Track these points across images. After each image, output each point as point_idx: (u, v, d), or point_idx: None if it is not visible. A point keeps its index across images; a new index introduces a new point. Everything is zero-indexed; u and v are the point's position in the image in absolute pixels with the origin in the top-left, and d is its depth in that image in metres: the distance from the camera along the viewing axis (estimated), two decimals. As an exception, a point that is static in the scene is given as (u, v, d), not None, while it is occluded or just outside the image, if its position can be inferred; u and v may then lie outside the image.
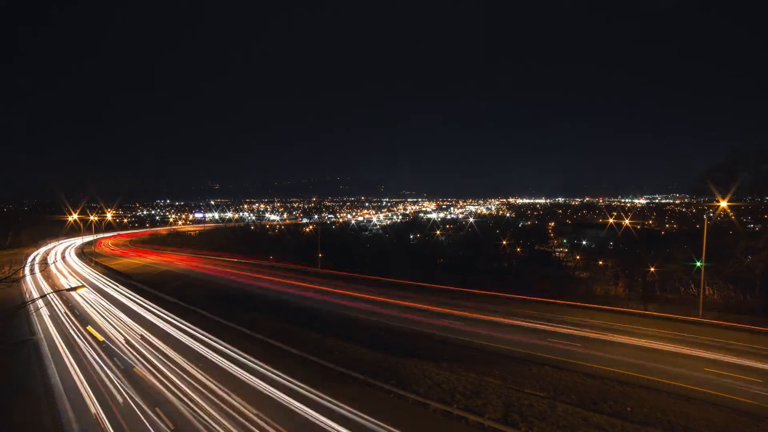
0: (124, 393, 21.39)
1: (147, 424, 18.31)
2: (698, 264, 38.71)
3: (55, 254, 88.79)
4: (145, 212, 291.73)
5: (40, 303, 40.59)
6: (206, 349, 27.62)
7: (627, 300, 41.93)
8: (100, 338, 30.49)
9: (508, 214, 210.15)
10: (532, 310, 36.28)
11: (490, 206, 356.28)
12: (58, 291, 46.27)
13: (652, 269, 44.24)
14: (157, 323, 34.49)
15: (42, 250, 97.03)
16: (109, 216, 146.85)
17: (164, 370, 24.25)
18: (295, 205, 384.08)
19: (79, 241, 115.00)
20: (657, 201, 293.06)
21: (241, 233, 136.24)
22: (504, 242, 76.23)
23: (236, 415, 18.70)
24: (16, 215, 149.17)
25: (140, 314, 37.54)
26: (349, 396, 20.24)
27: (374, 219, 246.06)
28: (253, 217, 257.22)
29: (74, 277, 59.05)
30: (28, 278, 57.03)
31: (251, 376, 23.01)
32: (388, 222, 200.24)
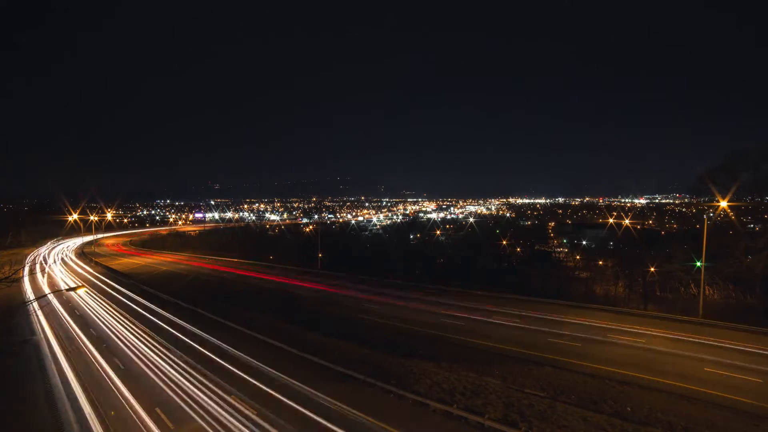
0: (124, 393, 21.40)
1: (147, 423, 18.32)
2: (698, 264, 38.69)
3: (55, 254, 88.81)
4: (145, 212, 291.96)
5: (40, 303, 40.60)
6: (206, 350, 27.63)
7: (627, 300, 41.94)
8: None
9: (508, 214, 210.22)
10: (532, 310, 36.27)
11: (490, 206, 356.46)
12: (58, 291, 46.29)
13: (652, 269, 44.22)
14: (158, 323, 34.50)
15: (42, 249, 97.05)
16: (109, 216, 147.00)
17: (165, 369, 24.26)
18: (295, 205, 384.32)
19: (79, 241, 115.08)
20: (657, 201, 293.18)
21: (241, 233, 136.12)
22: (504, 242, 76.20)
23: (236, 414, 18.71)
24: (16, 215, 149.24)
25: (140, 314, 37.55)
26: (350, 396, 20.24)
27: (374, 219, 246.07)
28: (253, 217, 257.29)
29: (74, 277, 59.07)
30: (28, 278, 57.04)
31: (250, 377, 23.01)
32: (388, 222, 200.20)
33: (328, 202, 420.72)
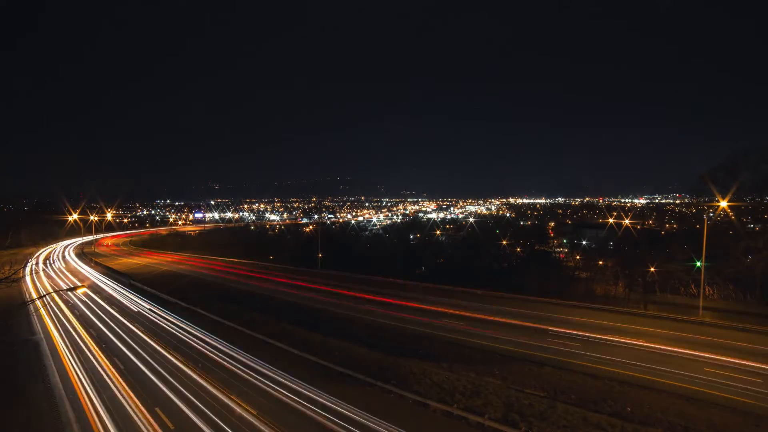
0: (124, 393, 21.40)
1: (147, 423, 18.31)
2: (698, 264, 38.74)
3: (55, 254, 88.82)
4: (145, 212, 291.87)
5: (40, 303, 40.61)
6: (206, 349, 27.64)
7: (627, 300, 41.92)
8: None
9: (508, 214, 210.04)
10: (532, 310, 36.25)
11: (490, 206, 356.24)
12: (58, 291, 46.28)
13: (652, 269, 44.24)
14: (157, 323, 34.49)
15: (42, 249, 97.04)
16: (109, 216, 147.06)
17: (165, 370, 24.25)
18: (295, 205, 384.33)
19: (79, 241, 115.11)
20: (657, 201, 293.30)
21: (241, 233, 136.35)
22: (504, 242, 76.39)
23: (236, 415, 18.70)
24: (16, 215, 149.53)
25: (140, 314, 37.55)
26: (350, 396, 20.25)
27: (374, 219, 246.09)
28: (253, 217, 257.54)
29: (74, 277, 59.08)
30: (28, 278, 57.06)
31: (251, 377, 23.01)
32: (388, 222, 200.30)
33: (328, 202, 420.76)
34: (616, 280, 48.10)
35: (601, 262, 55.42)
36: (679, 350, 25.93)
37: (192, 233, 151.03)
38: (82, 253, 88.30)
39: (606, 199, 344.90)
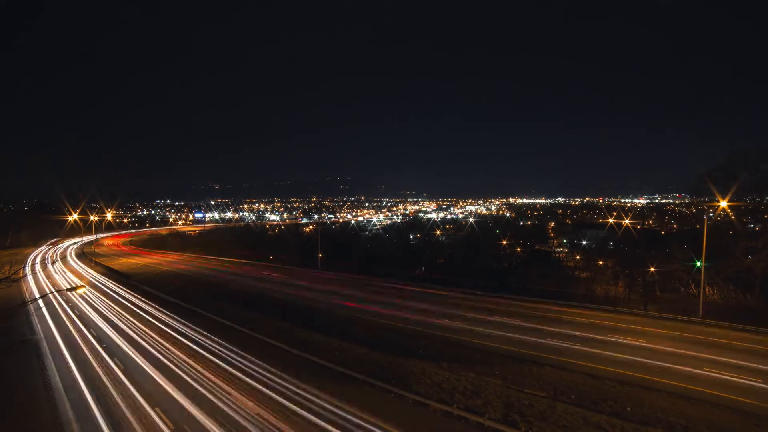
0: (124, 393, 21.40)
1: (147, 423, 18.32)
2: (698, 264, 38.69)
3: (56, 254, 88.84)
4: (145, 212, 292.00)
5: (40, 303, 40.63)
6: (206, 349, 27.65)
7: (627, 300, 41.90)
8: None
9: (508, 214, 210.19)
10: (531, 310, 36.26)
11: (490, 206, 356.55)
12: (59, 291, 46.29)
13: (652, 269, 44.22)
14: (157, 324, 34.49)
15: (42, 249, 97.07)
16: (109, 216, 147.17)
17: (165, 370, 24.25)
18: (295, 205, 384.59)
19: (79, 240, 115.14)
20: (657, 201, 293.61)
21: (241, 233, 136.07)
22: (504, 242, 76.43)
23: (235, 414, 18.71)
24: (16, 215, 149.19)
25: (139, 315, 37.55)
26: (350, 396, 20.25)
27: (374, 219, 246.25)
28: (253, 217, 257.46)
29: (74, 277, 59.07)
30: (28, 278, 57.08)
31: (252, 378, 23.01)
32: (388, 222, 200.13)
33: (328, 202, 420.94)
34: (616, 280, 48.07)
35: (601, 262, 55.41)
36: (679, 350, 25.93)
37: (192, 233, 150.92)
38: (82, 253, 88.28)
39: (606, 199, 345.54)
